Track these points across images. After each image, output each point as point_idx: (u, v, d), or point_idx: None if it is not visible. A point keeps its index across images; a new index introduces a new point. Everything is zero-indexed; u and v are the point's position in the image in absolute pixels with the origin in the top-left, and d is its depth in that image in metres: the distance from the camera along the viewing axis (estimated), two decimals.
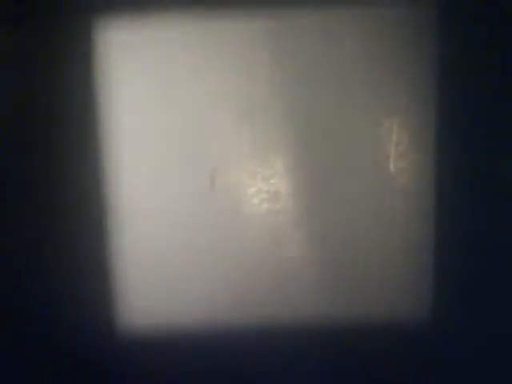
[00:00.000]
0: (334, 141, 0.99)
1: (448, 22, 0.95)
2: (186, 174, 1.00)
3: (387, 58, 0.96)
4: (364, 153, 0.99)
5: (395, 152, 0.99)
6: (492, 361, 1.03)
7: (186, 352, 1.04)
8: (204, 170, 1.00)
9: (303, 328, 1.03)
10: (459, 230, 0.99)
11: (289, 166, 1.00)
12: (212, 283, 1.03)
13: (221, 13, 0.96)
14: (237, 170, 1.01)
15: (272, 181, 1.01)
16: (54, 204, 1.00)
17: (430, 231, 1.00)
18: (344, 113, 0.98)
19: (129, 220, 1.01)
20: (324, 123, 0.99)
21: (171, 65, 0.98)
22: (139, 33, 0.96)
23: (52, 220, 1.01)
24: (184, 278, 1.03)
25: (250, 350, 1.04)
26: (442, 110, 0.97)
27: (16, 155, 1.00)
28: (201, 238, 1.02)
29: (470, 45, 0.95)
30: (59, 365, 1.05)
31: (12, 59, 0.98)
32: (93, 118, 0.98)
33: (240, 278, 1.03)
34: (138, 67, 0.98)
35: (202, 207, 1.01)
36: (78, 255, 1.01)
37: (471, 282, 1.01)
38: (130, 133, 0.99)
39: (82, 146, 0.99)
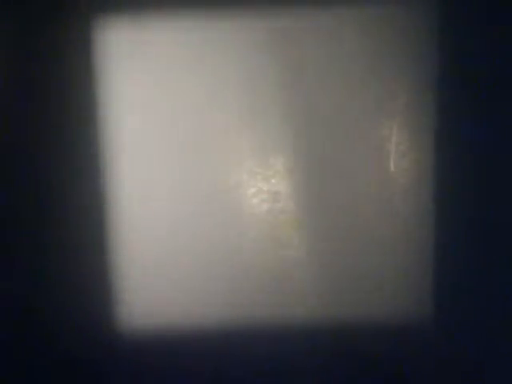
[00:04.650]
0: (334, 141, 0.99)
1: (448, 21, 0.95)
2: (185, 174, 1.00)
3: (387, 58, 0.97)
4: (364, 153, 0.99)
5: (395, 152, 0.99)
6: (492, 360, 1.03)
7: (185, 352, 1.04)
8: (204, 171, 1.00)
9: (303, 328, 1.03)
10: (459, 230, 0.99)
11: (289, 166, 1.00)
12: (212, 283, 1.03)
13: (221, 13, 0.96)
14: (237, 170, 1.01)
15: (272, 181, 1.01)
16: (54, 204, 1.00)
17: (430, 231, 1.00)
18: (344, 113, 0.98)
19: (129, 220, 1.01)
20: (324, 123, 0.99)
21: (171, 65, 0.98)
22: (139, 33, 0.96)
23: (52, 220, 1.01)
24: (184, 278, 1.03)
25: (250, 350, 1.04)
26: (442, 110, 0.97)
27: (15, 153, 1.00)
28: (201, 238, 1.02)
29: (470, 45, 0.95)
30: (59, 365, 1.05)
31: (12, 59, 0.98)
32: (93, 118, 0.98)
33: (240, 278, 1.03)
34: (138, 67, 0.98)
35: (202, 207, 1.01)
36: (77, 255, 1.01)
37: (472, 282, 1.01)
38: (130, 133, 0.99)
39: (81, 146, 0.99)
